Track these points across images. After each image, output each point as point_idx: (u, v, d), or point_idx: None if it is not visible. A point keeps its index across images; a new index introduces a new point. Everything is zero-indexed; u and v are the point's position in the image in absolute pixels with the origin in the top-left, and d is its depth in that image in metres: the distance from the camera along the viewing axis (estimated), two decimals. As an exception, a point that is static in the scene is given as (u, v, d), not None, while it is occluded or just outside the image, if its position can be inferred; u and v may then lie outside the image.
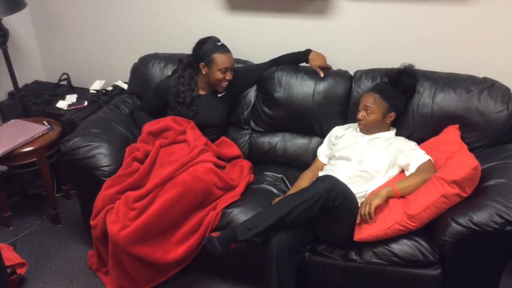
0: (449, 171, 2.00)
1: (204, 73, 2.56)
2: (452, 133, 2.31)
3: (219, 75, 2.52)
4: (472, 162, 1.98)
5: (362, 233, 2.06)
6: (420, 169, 2.17)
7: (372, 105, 2.33)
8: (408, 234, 2.04)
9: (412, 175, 2.18)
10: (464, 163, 1.98)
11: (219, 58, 2.49)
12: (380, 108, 2.33)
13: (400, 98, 2.37)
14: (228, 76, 2.54)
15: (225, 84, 2.57)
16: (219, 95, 2.66)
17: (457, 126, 2.34)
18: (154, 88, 2.74)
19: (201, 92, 2.65)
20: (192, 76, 2.62)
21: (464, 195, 1.96)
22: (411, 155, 2.24)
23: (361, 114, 2.38)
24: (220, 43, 2.53)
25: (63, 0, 3.20)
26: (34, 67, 3.46)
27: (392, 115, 2.35)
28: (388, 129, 2.44)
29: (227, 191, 2.39)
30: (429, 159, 2.20)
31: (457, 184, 1.94)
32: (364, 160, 2.31)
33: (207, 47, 2.52)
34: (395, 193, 2.09)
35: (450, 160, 2.12)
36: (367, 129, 2.39)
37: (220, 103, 2.66)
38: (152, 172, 2.38)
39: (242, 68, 2.73)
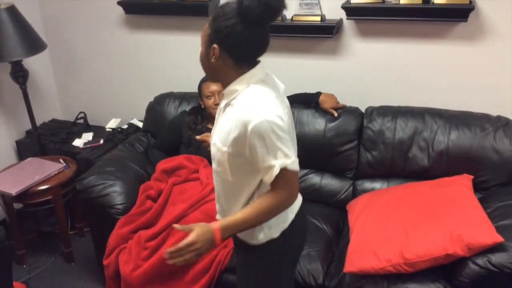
0: (471, 230, 1.89)
1: (202, 106, 2.67)
2: (464, 187, 2.22)
3: (207, 101, 2.60)
4: (498, 236, 1.85)
5: (354, 266, 2.00)
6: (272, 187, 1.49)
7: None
8: (433, 276, 1.95)
9: (256, 202, 1.51)
10: (491, 231, 1.88)
11: (204, 86, 2.61)
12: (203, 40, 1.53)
13: (227, 18, 1.42)
14: (215, 100, 2.57)
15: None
16: None
17: (471, 177, 2.29)
18: (168, 123, 2.80)
19: (211, 126, 2.66)
20: (203, 111, 2.72)
21: (466, 256, 1.88)
22: (260, 159, 1.44)
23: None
24: None
25: (81, 41, 3.30)
26: (52, 106, 3.53)
27: (215, 49, 1.46)
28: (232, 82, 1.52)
29: None
30: (285, 168, 1.43)
31: (470, 248, 1.85)
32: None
33: (199, 83, 2.67)
34: (216, 235, 1.47)
35: (467, 213, 2.02)
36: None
37: None
38: (164, 210, 2.38)
39: None
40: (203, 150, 2.57)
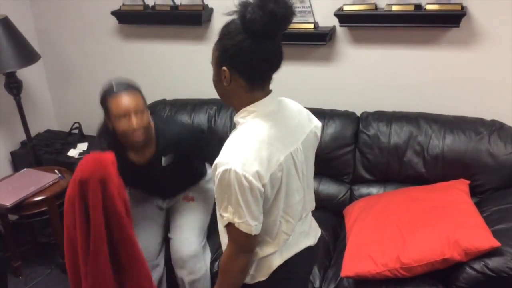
0: (468, 235, 1.89)
1: (111, 128, 1.97)
2: (461, 191, 2.22)
3: (120, 125, 1.90)
4: (495, 241, 1.85)
5: (350, 270, 2.01)
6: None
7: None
8: (430, 280, 1.96)
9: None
10: (488, 236, 1.88)
11: (112, 103, 1.91)
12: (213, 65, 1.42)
13: (233, 36, 1.33)
14: (132, 124, 1.88)
15: (137, 137, 1.92)
16: (163, 163, 2.08)
17: (467, 182, 2.29)
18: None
19: (134, 158, 2.06)
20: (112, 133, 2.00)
21: (463, 261, 1.88)
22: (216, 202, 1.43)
23: None
24: (116, 82, 1.97)
25: (75, 52, 3.30)
26: (46, 117, 3.52)
27: (225, 71, 1.37)
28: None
29: None
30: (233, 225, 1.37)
31: (467, 253, 1.85)
32: None
33: (102, 95, 1.98)
34: None
35: (464, 218, 2.02)
36: None
37: (166, 170, 2.12)
38: None
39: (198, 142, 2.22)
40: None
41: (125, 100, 1.89)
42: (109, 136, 2.01)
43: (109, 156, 1.86)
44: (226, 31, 1.35)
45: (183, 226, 2.26)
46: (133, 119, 1.88)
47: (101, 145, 2.04)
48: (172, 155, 2.10)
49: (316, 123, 1.63)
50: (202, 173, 2.43)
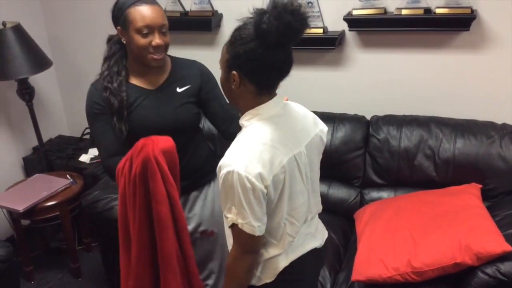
0: (480, 239, 1.87)
1: (124, 42, 1.76)
2: (473, 196, 2.21)
3: (139, 39, 1.68)
4: (507, 245, 1.83)
5: (361, 274, 2.00)
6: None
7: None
8: (441, 285, 1.95)
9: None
10: (500, 240, 1.86)
11: (136, 13, 1.67)
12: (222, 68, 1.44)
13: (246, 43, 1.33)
14: (156, 40, 1.69)
15: (157, 55, 1.73)
16: (178, 90, 1.85)
17: (479, 186, 2.28)
18: (89, 115, 1.83)
19: (135, 82, 1.82)
20: (120, 54, 1.83)
21: (474, 265, 1.86)
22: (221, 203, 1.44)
23: None
24: None
25: (86, 58, 3.33)
26: (58, 122, 3.56)
27: (235, 75, 1.38)
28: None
29: None
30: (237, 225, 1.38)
31: (478, 257, 1.84)
32: None
33: (121, 2, 1.72)
34: None
35: (475, 222, 2.00)
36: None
37: (179, 100, 1.85)
38: None
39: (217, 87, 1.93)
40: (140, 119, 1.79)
41: (152, 13, 1.69)
42: (121, 54, 1.80)
43: (160, 141, 1.61)
44: (238, 35, 1.36)
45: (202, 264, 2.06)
46: (155, 37, 1.70)
47: (111, 70, 1.79)
48: (186, 84, 1.88)
49: (322, 127, 1.64)
50: (212, 154, 2.13)
